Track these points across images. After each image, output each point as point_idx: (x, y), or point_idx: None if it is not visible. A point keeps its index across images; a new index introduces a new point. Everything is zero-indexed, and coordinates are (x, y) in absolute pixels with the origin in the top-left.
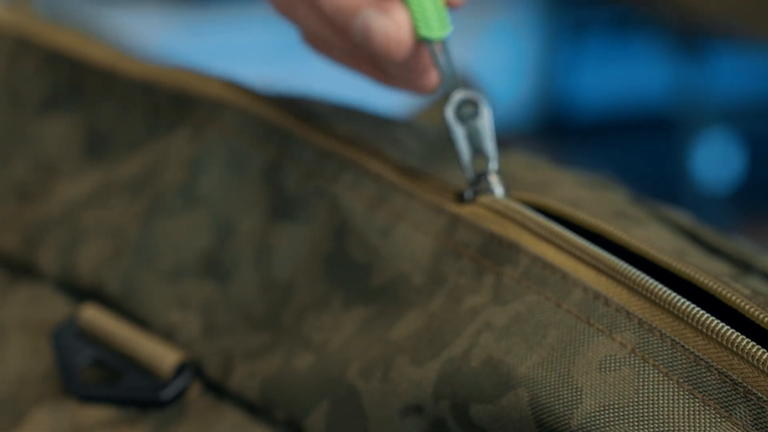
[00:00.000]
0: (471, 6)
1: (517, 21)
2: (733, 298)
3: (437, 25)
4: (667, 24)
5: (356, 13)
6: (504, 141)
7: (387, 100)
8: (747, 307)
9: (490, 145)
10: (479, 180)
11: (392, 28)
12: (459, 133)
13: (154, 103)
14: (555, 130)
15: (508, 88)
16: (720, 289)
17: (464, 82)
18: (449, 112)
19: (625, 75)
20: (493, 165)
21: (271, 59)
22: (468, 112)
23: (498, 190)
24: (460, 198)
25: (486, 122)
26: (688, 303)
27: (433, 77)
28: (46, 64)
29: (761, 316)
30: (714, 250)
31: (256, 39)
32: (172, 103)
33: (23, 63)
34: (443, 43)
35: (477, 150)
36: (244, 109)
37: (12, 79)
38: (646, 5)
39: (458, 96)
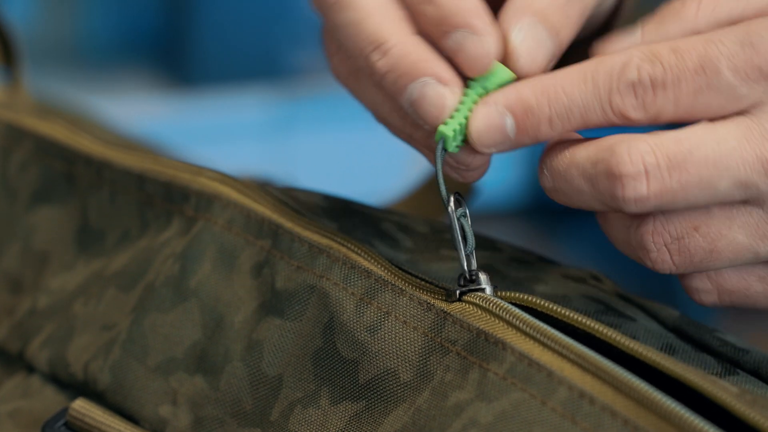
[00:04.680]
0: None
1: None
2: (722, 396)
3: (456, 141)
4: None
5: (413, 79)
6: (491, 239)
7: (376, 180)
8: (736, 405)
9: (471, 244)
10: (469, 278)
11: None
12: (458, 229)
13: (145, 194)
14: (542, 210)
15: (499, 169)
16: (708, 387)
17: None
18: (450, 209)
19: None
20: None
21: (263, 138)
22: (462, 211)
23: (487, 288)
24: (449, 295)
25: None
26: (673, 404)
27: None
28: (38, 155)
29: (751, 414)
30: (701, 347)
31: (247, 118)
32: (163, 195)
33: (15, 154)
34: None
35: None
36: (234, 202)
37: (4, 170)
38: None
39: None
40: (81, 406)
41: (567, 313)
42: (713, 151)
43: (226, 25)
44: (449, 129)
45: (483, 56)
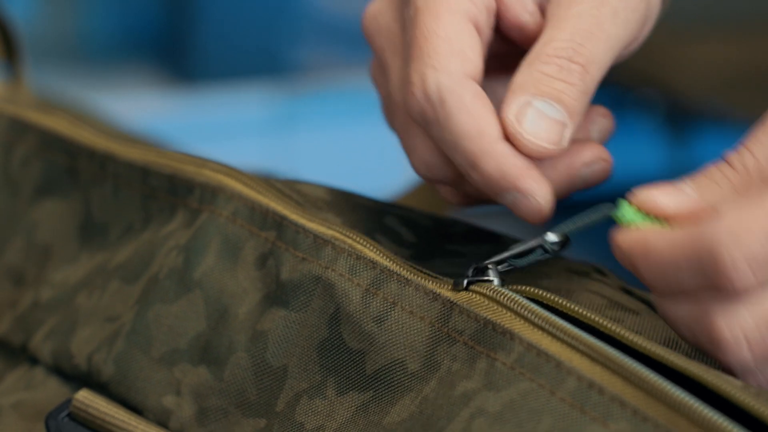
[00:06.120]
0: None
1: None
2: (726, 388)
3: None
4: (655, 106)
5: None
6: (495, 233)
7: (378, 176)
8: (740, 396)
9: (521, 261)
10: (477, 269)
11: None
12: (529, 246)
13: (149, 187)
14: None
15: None
16: (712, 379)
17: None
18: (549, 236)
19: (614, 153)
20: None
21: (264, 135)
22: (554, 248)
23: (495, 280)
24: (456, 285)
25: (539, 258)
26: (682, 394)
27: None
28: (41, 148)
29: (756, 405)
30: None
31: (249, 115)
32: (166, 188)
33: (18, 148)
34: None
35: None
36: (239, 194)
37: (6, 164)
38: (634, 88)
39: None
40: (85, 396)
41: (572, 307)
42: None
43: (227, 22)
44: (635, 215)
45: (536, 212)
